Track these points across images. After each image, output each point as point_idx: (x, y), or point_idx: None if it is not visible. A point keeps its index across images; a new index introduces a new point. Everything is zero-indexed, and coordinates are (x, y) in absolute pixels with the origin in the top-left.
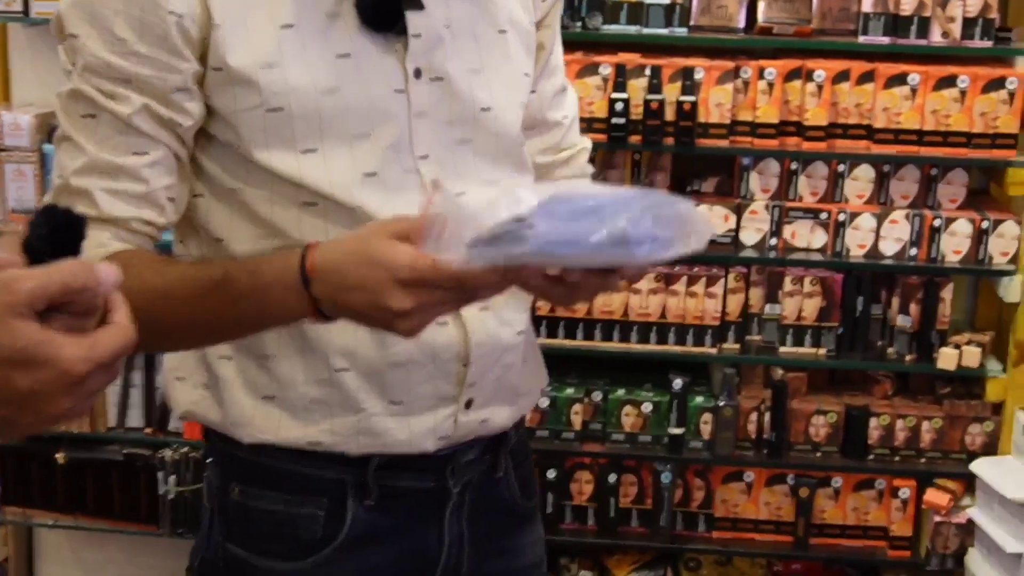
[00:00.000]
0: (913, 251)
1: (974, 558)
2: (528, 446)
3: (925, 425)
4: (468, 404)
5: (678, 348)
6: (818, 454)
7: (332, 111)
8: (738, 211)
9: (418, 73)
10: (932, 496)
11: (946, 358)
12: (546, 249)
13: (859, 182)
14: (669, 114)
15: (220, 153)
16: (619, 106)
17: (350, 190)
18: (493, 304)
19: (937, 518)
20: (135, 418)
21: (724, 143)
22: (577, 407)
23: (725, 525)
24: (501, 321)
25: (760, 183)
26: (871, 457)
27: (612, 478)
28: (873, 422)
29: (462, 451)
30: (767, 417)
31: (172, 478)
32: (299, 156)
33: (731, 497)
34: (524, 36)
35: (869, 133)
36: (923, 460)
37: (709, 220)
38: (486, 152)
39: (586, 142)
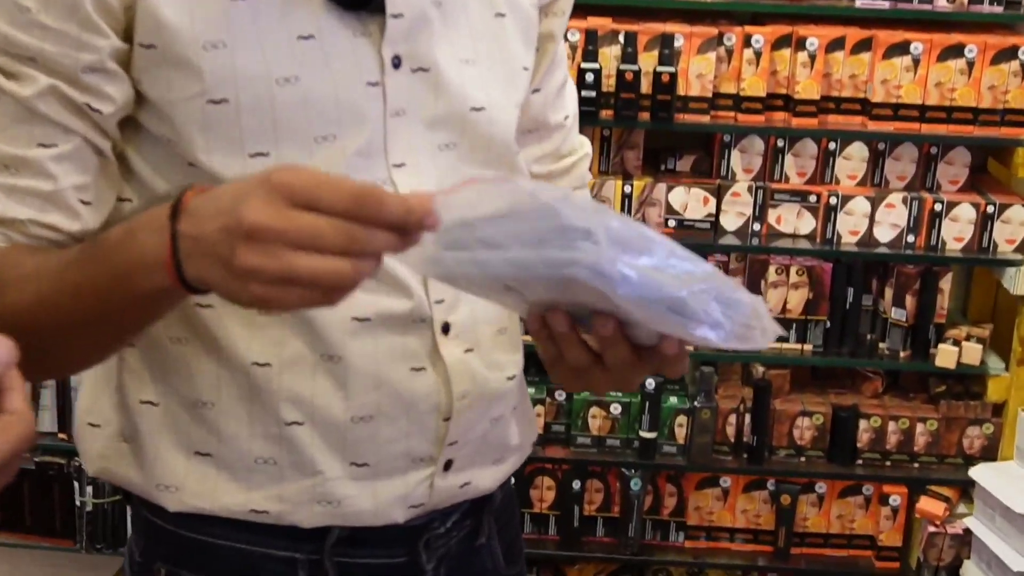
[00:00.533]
0: (910, 238)
1: (970, 572)
2: (515, 503)
3: (919, 427)
4: (447, 466)
5: None
6: (802, 459)
7: (289, 106)
8: (718, 193)
9: (397, 62)
10: (926, 504)
11: (945, 355)
12: (605, 277)
13: (852, 161)
14: (645, 86)
15: (153, 151)
16: (589, 77)
17: None
18: (479, 343)
19: (931, 528)
20: (47, 422)
21: (705, 119)
22: (539, 408)
23: (698, 534)
24: (490, 364)
25: (742, 162)
26: (859, 462)
27: (576, 484)
28: (863, 424)
29: (438, 519)
30: (747, 419)
31: (89, 489)
32: (247, 161)
33: (705, 504)
34: (523, 22)
35: (865, 108)
36: (916, 465)
37: (773, 321)
38: (474, 160)
39: (586, 145)
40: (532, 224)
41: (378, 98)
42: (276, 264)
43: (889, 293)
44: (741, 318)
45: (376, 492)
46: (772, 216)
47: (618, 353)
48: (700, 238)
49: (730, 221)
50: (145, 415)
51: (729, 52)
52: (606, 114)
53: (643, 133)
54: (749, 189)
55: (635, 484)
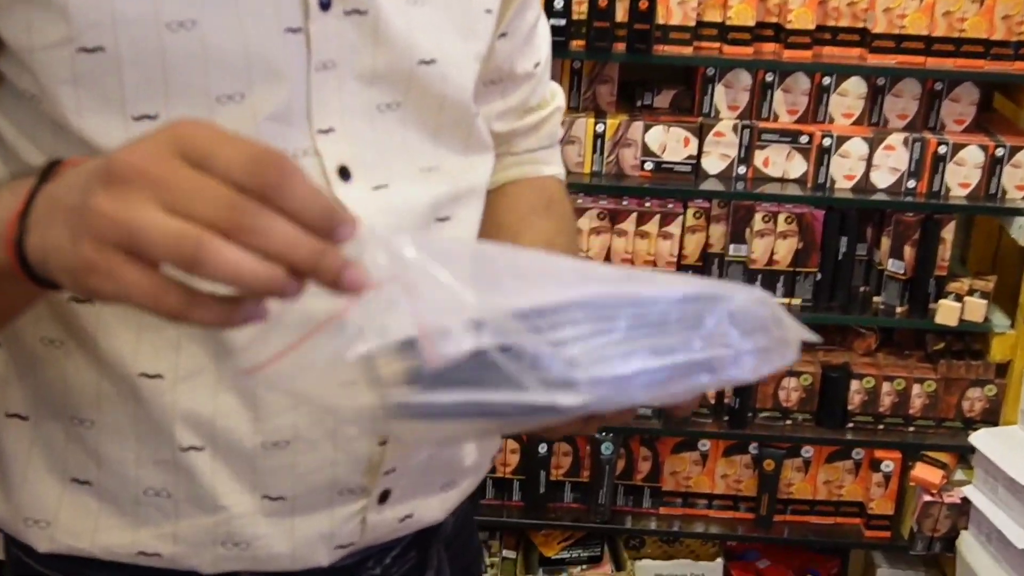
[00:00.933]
0: (911, 183)
1: (968, 543)
2: (473, 523)
3: (916, 388)
4: (383, 497)
5: None
6: (788, 422)
7: (183, 57)
8: (700, 133)
9: (326, 3)
10: (921, 472)
11: (946, 311)
12: (607, 401)
13: (848, 98)
14: (620, 14)
15: (15, 108)
16: (558, 3)
17: None
18: None
19: (926, 497)
20: None
21: (687, 50)
22: None
23: (674, 500)
24: None
25: (727, 98)
26: (850, 425)
27: (543, 448)
28: (854, 384)
29: (374, 557)
30: None
31: None
32: (130, 125)
33: (682, 469)
34: None
35: (864, 39)
36: (911, 429)
37: (795, 320)
38: (423, 124)
39: (558, 96)
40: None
41: (300, 48)
42: (125, 212)
43: (886, 243)
44: (757, 328)
45: (294, 531)
46: (759, 158)
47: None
48: (679, 182)
49: (713, 164)
50: (12, 431)
51: None
52: (577, 45)
53: (617, 66)
54: (734, 128)
55: (606, 448)
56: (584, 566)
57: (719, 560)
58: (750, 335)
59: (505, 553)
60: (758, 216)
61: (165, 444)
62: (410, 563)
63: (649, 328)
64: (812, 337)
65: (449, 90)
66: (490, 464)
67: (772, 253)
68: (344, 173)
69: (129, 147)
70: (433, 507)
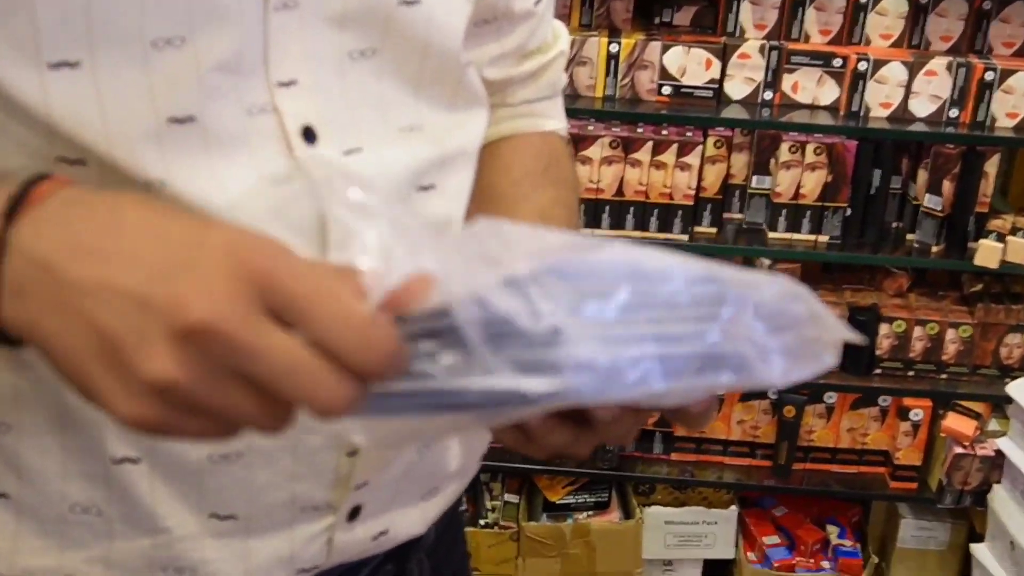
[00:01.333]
0: (953, 112)
1: (1000, 498)
2: (459, 524)
3: (950, 333)
4: (353, 514)
5: (638, 233)
6: None
7: None
8: (723, 54)
9: None
10: (953, 422)
11: (986, 251)
12: (592, 390)
13: (886, 18)
14: None
15: None
16: None
17: (140, 145)
18: None
19: (957, 448)
20: None
21: None
22: None
23: (687, 446)
24: None
25: (754, 16)
26: (877, 371)
27: None
28: (884, 328)
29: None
30: None
31: None
32: (45, 74)
33: None
34: None
35: None
36: (944, 376)
37: (837, 319)
38: (402, 75)
39: (562, 39)
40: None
41: None
42: (206, 395)
43: (923, 177)
44: (789, 326)
45: (248, 555)
46: (787, 83)
47: (620, 426)
48: (700, 108)
49: (737, 88)
50: None
51: None
52: None
53: None
54: (761, 49)
55: None
56: (590, 512)
57: (733, 508)
58: (779, 332)
59: (507, 497)
60: (784, 146)
61: (94, 455)
62: (386, 575)
63: (654, 309)
64: (856, 339)
65: (435, 35)
66: (478, 466)
67: (798, 186)
68: (308, 134)
69: (193, 279)
70: (412, 520)
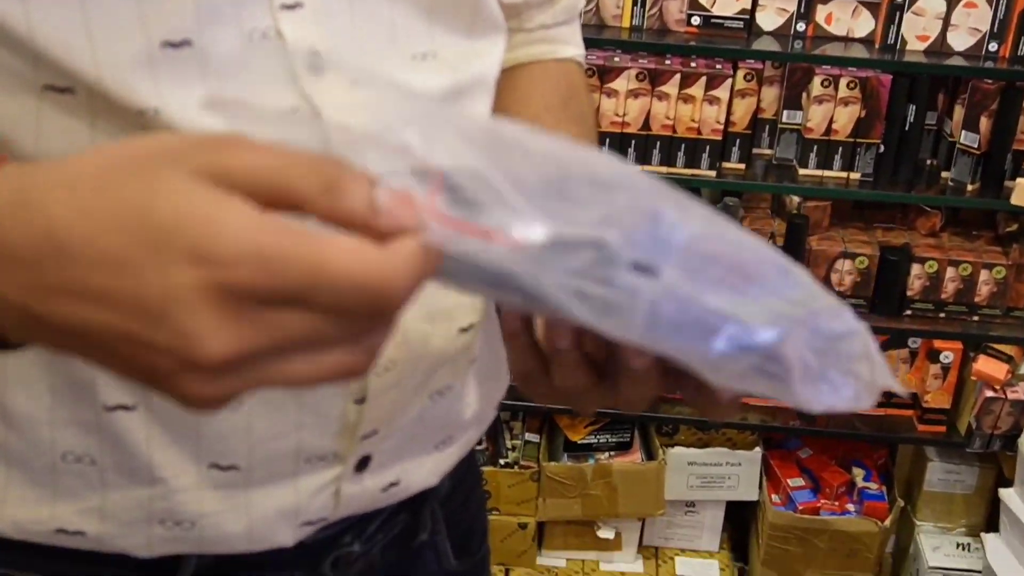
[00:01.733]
0: (993, 46)
1: None
2: (476, 472)
3: (983, 274)
4: (362, 464)
5: (664, 169)
6: None
7: None
8: None
9: None
10: (984, 365)
11: (1023, 190)
12: (666, 337)
13: None
14: None
15: None
16: None
17: (131, 72)
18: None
19: (988, 392)
20: None
21: None
22: None
23: None
24: (431, 314)
25: None
26: (908, 312)
27: None
28: (915, 268)
29: (352, 530)
30: None
31: None
32: None
33: None
34: None
35: None
36: (976, 318)
37: (883, 359)
38: None
39: None
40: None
41: None
42: (259, 381)
43: (959, 113)
44: (840, 359)
45: (250, 506)
46: (821, 14)
47: (644, 388)
48: (730, 40)
49: (768, 19)
50: None
51: None
52: None
53: None
54: None
55: None
56: (612, 452)
57: (757, 449)
58: (830, 361)
59: (528, 436)
60: (817, 80)
61: (86, 401)
62: (399, 527)
63: (733, 273)
64: (899, 389)
65: None
66: (495, 413)
67: (831, 122)
68: (314, 64)
69: (185, 319)
70: (425, 471)
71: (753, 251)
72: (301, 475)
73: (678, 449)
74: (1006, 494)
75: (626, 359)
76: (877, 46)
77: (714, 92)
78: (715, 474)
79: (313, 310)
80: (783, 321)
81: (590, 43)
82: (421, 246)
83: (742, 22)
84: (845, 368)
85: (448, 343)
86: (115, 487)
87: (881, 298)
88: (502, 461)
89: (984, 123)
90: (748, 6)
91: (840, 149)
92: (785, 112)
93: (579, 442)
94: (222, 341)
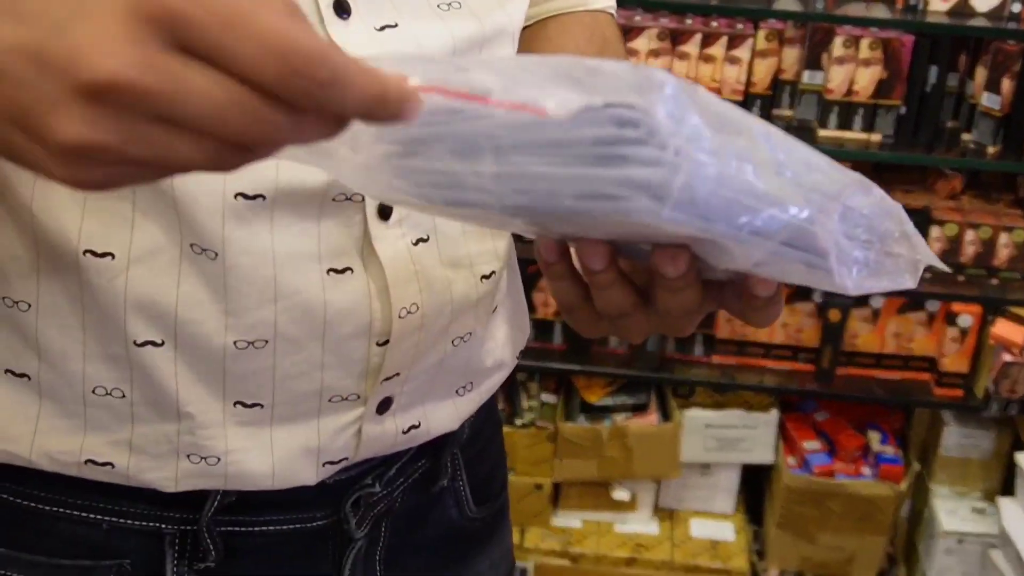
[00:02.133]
0: (1016, 7)
1: None
2: (496, 419)
3: (1003, 237)
4: (383, 406)
5: None
6: None
7: None
8: None
9: None
10: (1002, 328)
11: None
12: (697, 218)
13: None
14: None
15: None
16: None
17: None
18: (438, 230)
19: (1006, 356)
20: None
21: None
22: None
23: (728, 349)
24: (454, 261)
25: None
26: (927, 276)
27: None
28: (935, 231)
29: (374, 472)
30: None
31: None
32: None
33: None
34: None
35: None
36: (995, 282)
37: (925, 244)
38: None
39: None
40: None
41: None
42: (134, 149)
43: (981, 75)
44: (876, 240)
45: (274, 444)
46: None
47: (683, 299)
48: (751, 0)
49: None
50: None
51: None
52: None
53: None
54: None
55: None
56: (628, 414)
57: (774, 411)
58: (865, 242)
59: (544, 397)
60: (838, 40)
61: (116, 336)
62: (419, 472)
63: (759, 160)
64: (941, 265)
65: None
66: (515, 361)
67: (851, 83)
68: (340, 7)
69: (89, 29)
70: (445, 415)
71: (781, 139)
72: (324, 415)
73: (694, 411)
74: (1023, 458)
75: (660, 266)
76: (899, 6)
77: (735, 52)
78: (731, 436)
79: (222, 73)
80: (815, 198)
81: None
82: (389, 71)
83: None
84: (884, 250)
85: (470, 289)
86: (144, 421)
87: None
88: (519, 422)
89: (1006, 85)
90: None
91: (861, 110)
92: (806, 73)
93: (596, 404)
94: (117, 61)
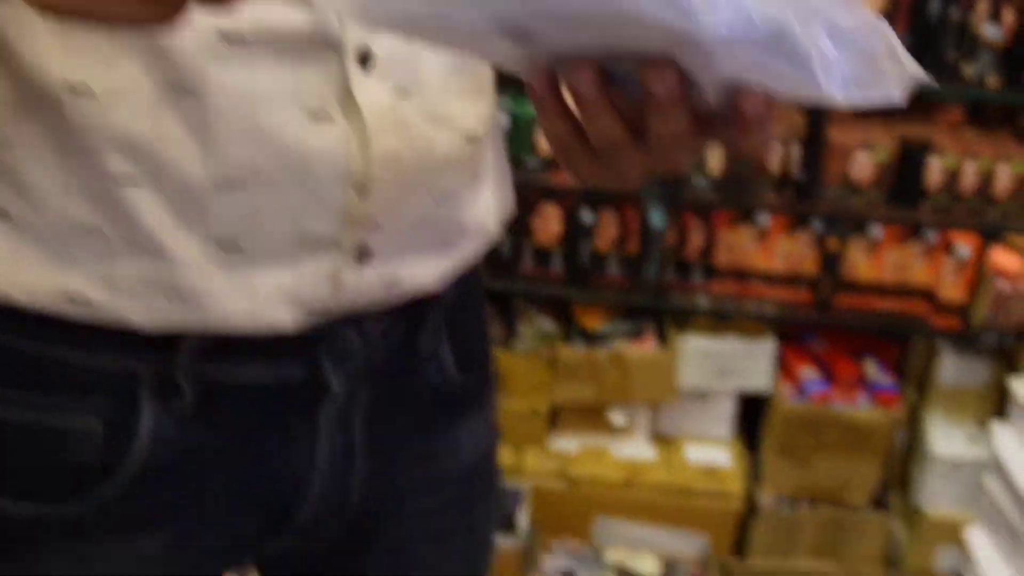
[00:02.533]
0: None
1: None
2: (479, 299)
3: (1002, 168)
4: (363, 255)
5: None
6: (858, 200)
7: None
8: None
9: None
10: (1000, 257)
11: None
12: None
13: None
14: None
15: None
16: None
17: None
18: (420, 85)
19: (1004, 287)
20: None
21: None
22: None
23: (727, 276)
24: (434, 117)
25: None
26: (925, 206)
27: (587, 217)
28: (934, 163)
29: (353, 326)
30: (795, 152)
31: None
32: None
33: (739, 243)
34: None
35: None
36: (994, 213)
37: (909, 56)
38: None
39: None
40: None
41: None
42: None
43: (983, 5)
44: (863, 54)
45: (253, 288)
46: None
47: (673, 122)
48: None
49: None
50: None
51: None
52: None
53: None
54: None
55: (656, 218)
56: (627, 341)
57: (771, 340)
58: (850, 55)
59: (543, 324)
60: None
61: (95, 173)
62: (400, 333)
63: None
64: (926, 78)
65: None
66: (497, 230)
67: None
68: None
69: None
70: (426, 271)
71: None
72: (302, 259)
73: (692, 338)
74: (1017, 383)
75: (650, 84)
76: None
77: None
78: (728, 364)
79: None
80: (798, 7)
81: None
82: None
83: None
84: (871, 66)
85: (451, 148)
86: (122, 258)
87: (899, 189)
88: (517, 347)
89: (1008, 16)
90: None
91: None
92: None
93: (594, 331)
94: None
